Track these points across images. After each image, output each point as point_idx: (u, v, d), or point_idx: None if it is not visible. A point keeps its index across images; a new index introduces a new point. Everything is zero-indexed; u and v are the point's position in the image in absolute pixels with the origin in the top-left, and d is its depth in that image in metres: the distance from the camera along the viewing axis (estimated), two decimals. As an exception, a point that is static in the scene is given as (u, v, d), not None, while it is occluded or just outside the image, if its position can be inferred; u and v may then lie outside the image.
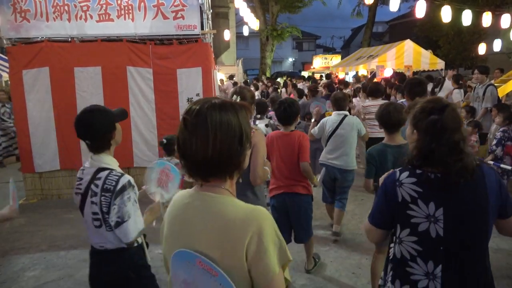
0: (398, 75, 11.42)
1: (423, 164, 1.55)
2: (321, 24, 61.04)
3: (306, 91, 8.33)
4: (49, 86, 5.87)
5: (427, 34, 19.88)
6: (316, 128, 4.58)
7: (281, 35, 20.71)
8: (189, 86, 6.04)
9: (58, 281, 3.68)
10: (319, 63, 25.16)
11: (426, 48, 14.16)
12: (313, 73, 23.11)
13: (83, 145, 6.72)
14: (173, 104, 6.06)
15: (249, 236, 1.06)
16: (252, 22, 14.86)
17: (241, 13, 13.84)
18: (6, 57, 11.79)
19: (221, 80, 15.36)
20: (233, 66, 19.54)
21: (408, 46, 13.19)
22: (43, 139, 5.96)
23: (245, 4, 13.14)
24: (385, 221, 1.65)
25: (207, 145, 1.09)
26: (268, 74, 20.55)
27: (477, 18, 10.43)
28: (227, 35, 15.32)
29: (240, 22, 20.67)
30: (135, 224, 1.96)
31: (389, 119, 2.81)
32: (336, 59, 24.35)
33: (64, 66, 5.81)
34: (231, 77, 16.15)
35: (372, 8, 21.50)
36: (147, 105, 6.06)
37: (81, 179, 2.05)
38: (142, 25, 5.92)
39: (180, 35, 6.00)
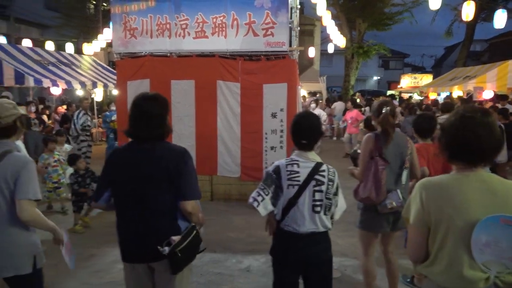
0: (499, 97, 10.41)
1: None
2: (410, 41, 58.30)
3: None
4: (148, 96, 6.43)
5: (536, 53, 17.81)
6: None
7: (367, 53, 20.16)
8: (274, 101, 6.17)
9: (143, 277, 3.94)
10: (407, 82, 23.95)
11: (535, 69, 12.67)
12: (400, 92, 22.06)
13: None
14: (257, 118, 6.24)
15: None
16: (338, 40, 14.78)
17: (328, 31, 13.86)
18: (112, 69, 13.28)
19: (303, 97, 15.43)
20: (316, 83, 19.50)
21: (513, 66, 11.93)
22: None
23: (332, 22, 13.14)
24: None
25: (490, 139, 1.57)
26: (351, 92, 20.10)
27: None
28: (311, 52, 15.45)
29: (325, 40, 20.67)
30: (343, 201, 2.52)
31: None
32: (426, 79, 22.98)
33: (162, 79, 6.34)
34: (314, 94, 16.16)
35: (471, 25, 19.96)
36: (233, 118, 6.31)
37: (297, 172, 2.33)
38: (233, 41, 6.23)
39: (269, 51, 6.19)
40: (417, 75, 25.12)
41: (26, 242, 2.25)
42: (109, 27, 9.68)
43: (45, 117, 10.40)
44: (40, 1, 21.38)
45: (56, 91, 11.43)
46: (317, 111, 9.95)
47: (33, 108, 9.42)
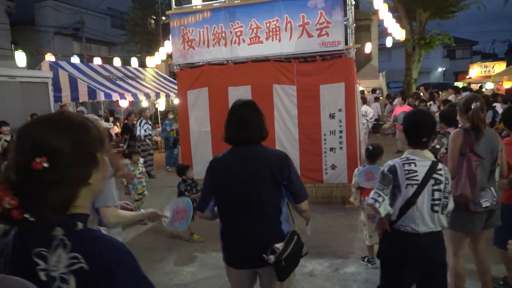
0: None
1: None
2: (478, 28, 53.81)
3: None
4: (207, 104, 6.66)
5: None
6: None
7: (429, 44, 18.95)
8: (331, 101, 6.07)
9: (210, 280, 4.07)
10: (477, 72, 22.21)
11: None
12: (469, 83, 20.51)
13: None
14: (314, 119, 6.18)
15: None
16: (397, 33, 14.13)
17: (385, 24, 13.28)
18: (173, 80, 13.92)
19: (362, 92, 14.97)
20: (375, 79, 18.82)
21: None
22: (201, 150, 6.76)
23: (390, 14, 12.60)
24: None
25: None
26: (413, 87, 19.06)
27: None
28: (368, 48, 14.90)
29: (382, 34, 19.86)
30: None
31: None
32: (499, 67, 21.12)
33: (220, 86, 6.52)
34: (373, 90, 15.63)
35: (550, 4, 17.98)
36: (290, 121, 6.31)
37: (415, 171, 2.30)
38: (287, 44, 6.23)
39: (324, 51, 6.10)
40: (488, 63, 23.19)
41: None
42: (169, 40, 10.16)
43: (115, 129, 11.18)
44: (107, 21, 23.14)
45: (124, 103, 12.24)
46: (364, 108, 9.63)
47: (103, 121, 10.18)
